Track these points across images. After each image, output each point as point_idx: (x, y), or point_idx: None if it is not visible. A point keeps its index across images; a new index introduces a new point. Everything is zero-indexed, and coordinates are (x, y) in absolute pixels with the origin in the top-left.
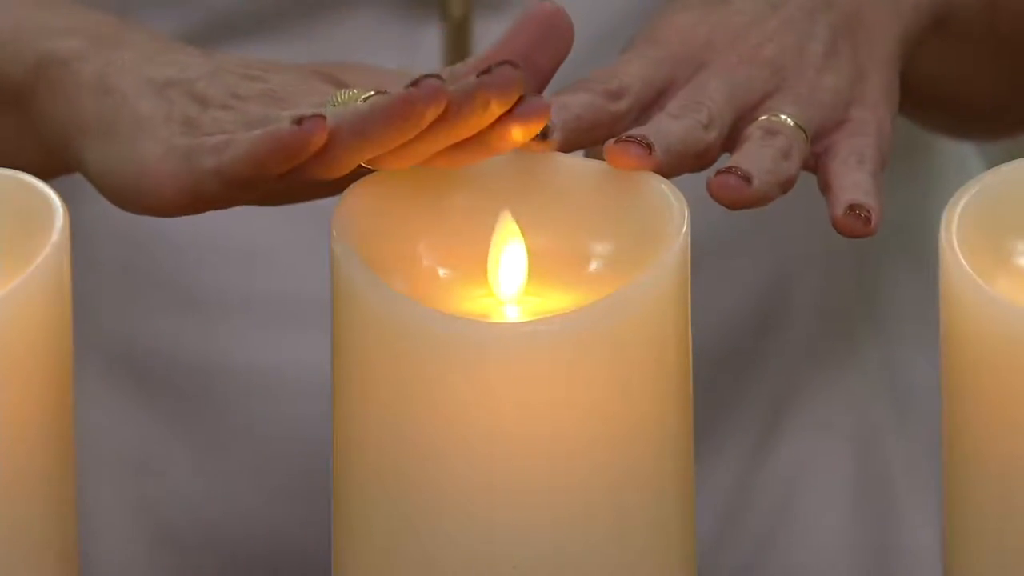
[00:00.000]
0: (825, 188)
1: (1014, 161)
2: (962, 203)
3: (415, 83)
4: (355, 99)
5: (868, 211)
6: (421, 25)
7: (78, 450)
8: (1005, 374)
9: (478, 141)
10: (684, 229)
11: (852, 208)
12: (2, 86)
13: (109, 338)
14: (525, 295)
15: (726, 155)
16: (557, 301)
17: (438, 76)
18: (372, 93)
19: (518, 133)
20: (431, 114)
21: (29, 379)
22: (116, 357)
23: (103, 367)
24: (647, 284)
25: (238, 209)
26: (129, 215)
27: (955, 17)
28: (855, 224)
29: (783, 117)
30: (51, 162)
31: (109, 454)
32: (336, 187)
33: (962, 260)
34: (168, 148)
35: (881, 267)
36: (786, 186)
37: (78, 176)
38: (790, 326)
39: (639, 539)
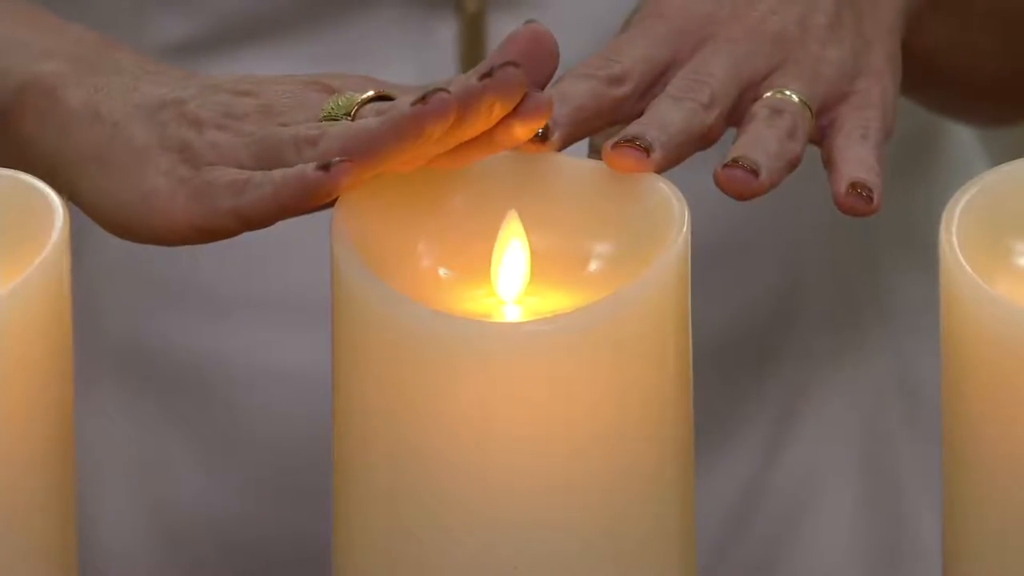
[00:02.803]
0: (828, 163)
1: (1014, 161)
2: (962, 203)
3: (424, 99)
4: (352, 103)
5: (870, 189)
6: (436, 21)
7: (86, 451)
8: (1005, 374)
9: (480, 140)
10: (684, 229)
11: (854, 186)
12: None
13: (115, 339)
14: (526, 295)
15: (731, 130)
16: (557, 301)
17: (445, 89)
18: (370, 94)
19: (521, 131)
20: (441, 128)
21: (29, 379)
22: (123, 358)
23: (111, 368)
24: (647, 284)
25: None
26: None
27: None
28: (857, 203)
29: (788, 93)
30: None
31: (116, 454)
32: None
33: (962, 260)
34: (176, 182)
35: (889, 268)
36: (792, 165)
37: None
38: (798, 327)
39: (639, 540)
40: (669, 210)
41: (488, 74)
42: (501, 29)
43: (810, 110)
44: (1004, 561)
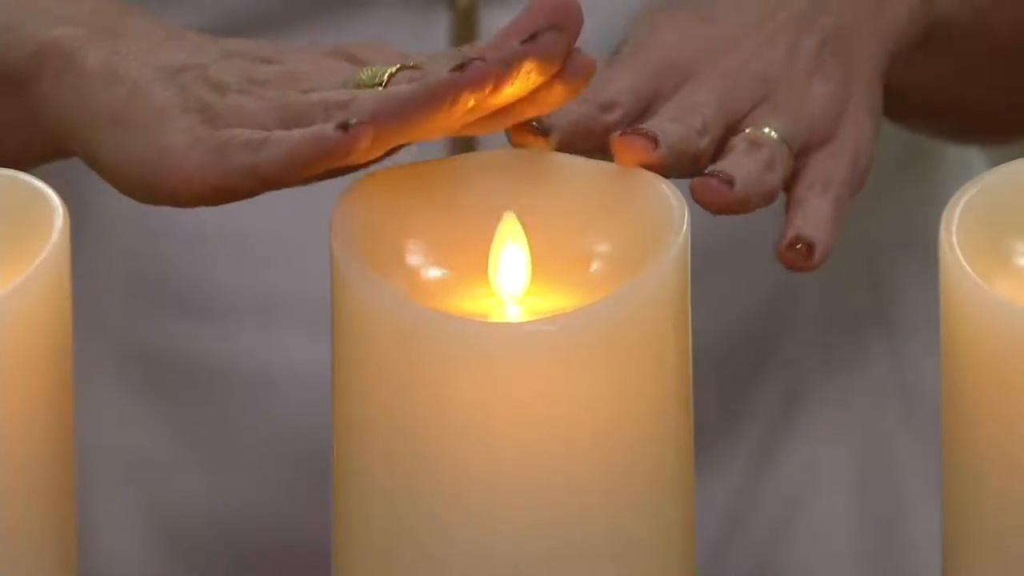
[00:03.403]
0: (786, 211)
1: (1014, 161)
2: (962, 203)
3: (461, 67)
4: (380, 75)
5: (811, 244)
6: (430, 16)
7: (87, 451)
8: (1005, 374)
9: (517, 104)
10: (684, 229)
11: (795, 241)
12: (2, 71)
13: (115, 339)
14: (525, 295)
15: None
16: (557, 301)
17: (482, 58)
18: (397, 67)
19: (563, 93)
20: (477, 97)
21: (29, 379)
22: (125, 358)
23: (112, 368)
24: (647, 284)
25: (241, 210)
26: (135, 217)
27: (944, 30)
28: (794, 259)
29: (767, 130)
30: (47, 148)
31: (118, 456)
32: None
33: (962, 260)
34: (194, 140)
35: (889, 269)
36: (768, 197)
37: (83, 179)
38: (798, 329)
39: (639, 538)
40: (669, 210)
41: (531, 38)
42: (493, 23)
43: (789, 148)
44: (1004, 561)
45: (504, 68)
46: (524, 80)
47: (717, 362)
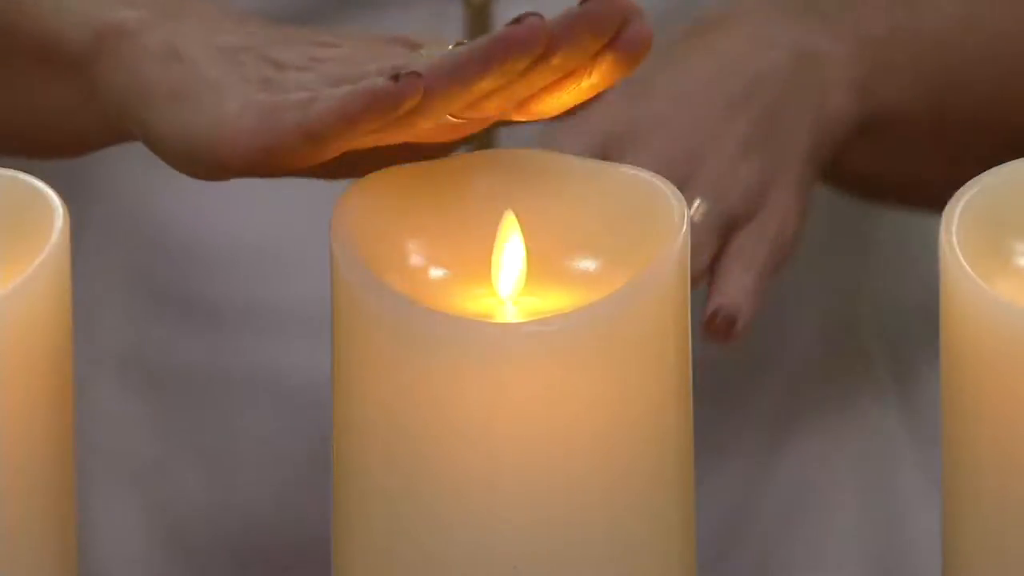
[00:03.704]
0: (709, 284)
1: (1014, 161)
2: (962, 203)
3: (517, 21)
4: (440, 51)
5: (733, 317)
6: (444, 11)
7: (87, 451)
8: (1005, 374)
9: (566, 87)
10: (684, 229)
11: (715, 314)
12: (63, 53)
13: (117, 340)
14: (525, 295)
15: None
16: (557, 301)
17: (537, 14)
18: (454, 45)
19: (618, 66)
20: (528, 56)
21: (29, 379)
22: (125, 358)
23: (112, 368)
24: (647, 284)
25: (241, 212)
26: (135, 218)
27: (889, 115)
28: (716, 332)
29: (695, 208)
30: (108, 131)
31: (118, 457)
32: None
33: (962, 260)
34: (245, 104)
35: (887, 270)
36: (694, 281)
37: (84, 179)
38: (798, 329)
39: (639, 538)
40: (669, 210)
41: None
42: (508, 18)
43: (715, 228)
44: (1004, 561)
45: (558, 30)
46: (579, 45)
47: (717, 362)
